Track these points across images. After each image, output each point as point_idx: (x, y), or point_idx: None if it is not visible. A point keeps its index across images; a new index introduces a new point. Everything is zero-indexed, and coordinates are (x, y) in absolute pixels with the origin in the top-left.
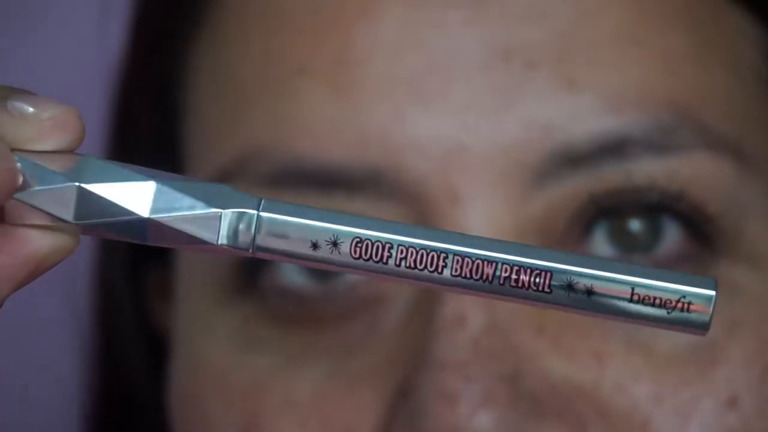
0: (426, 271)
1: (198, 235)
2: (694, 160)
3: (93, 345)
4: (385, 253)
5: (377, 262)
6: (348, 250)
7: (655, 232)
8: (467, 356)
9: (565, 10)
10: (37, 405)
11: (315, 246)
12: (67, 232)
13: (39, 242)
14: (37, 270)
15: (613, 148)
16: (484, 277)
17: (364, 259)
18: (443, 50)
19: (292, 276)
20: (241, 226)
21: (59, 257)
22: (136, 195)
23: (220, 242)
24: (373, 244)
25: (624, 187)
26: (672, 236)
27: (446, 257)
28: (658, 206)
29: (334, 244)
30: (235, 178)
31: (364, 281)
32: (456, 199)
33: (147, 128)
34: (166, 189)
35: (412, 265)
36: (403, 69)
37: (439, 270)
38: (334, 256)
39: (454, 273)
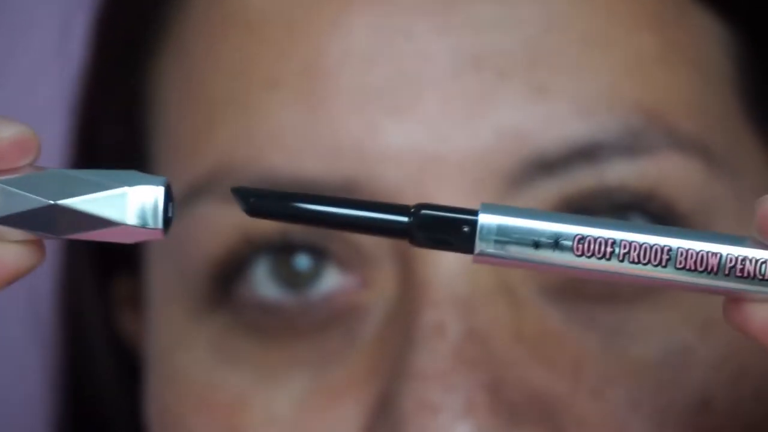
0: (650, 265)
1: (104, 216)
2: (664, 162)
3: (59, 358)
4: (608, 249)
5: (600, 258)
6: (570, 249)
7: None
8: (448, 365)
9: (533, 15)
10: (3, 419)
11: (537, 245)
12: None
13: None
14: None
15: (585, 153)
16: (710, 268)
17: (587, 256)
18: (414, 60)
19: (267, 288)
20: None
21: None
22: (44, 186)
23: (129, 222)
24: (595, 241)
25: (596, 189)
26: None
27: (670, 251)
28: (628, 206)
29: (556, 243)
30: (208, 191)
31: (340, 291)
32: None
33: (112, 141)
34: (71, 175)
35: (636, 260)
36: (374, 80)
37: (663, 263)
38: (556, 255)
39: (678, 266)
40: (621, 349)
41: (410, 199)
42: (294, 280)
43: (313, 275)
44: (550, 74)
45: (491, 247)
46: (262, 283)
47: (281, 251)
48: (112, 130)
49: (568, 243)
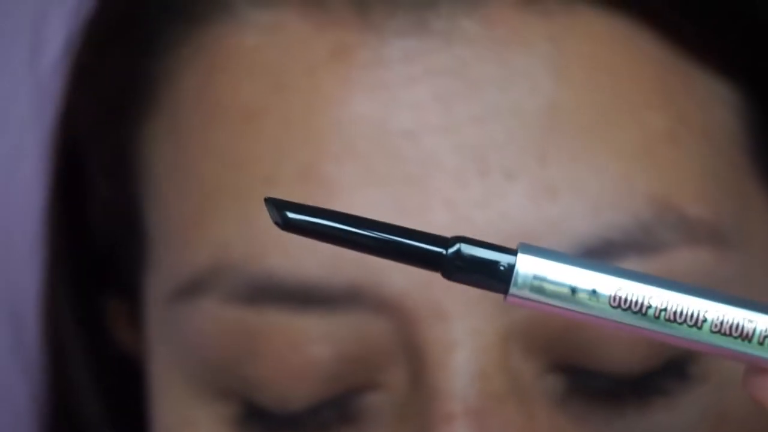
0: (685, 325)
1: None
2: (673, 256)
3: (43, 384)
4: (645, 304)
5: (636, 312)
6: (606, 299)
7: None
8: None
9: (537, 106)
10: None
11: (573, 292)
12: None
13: None
14: None
15: (595, 253)
16: (744, 335)
17: (623, 309)
18: (417, 162)
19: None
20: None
21: None
22: None
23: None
24: (633, 294)
25: None
26: None
27: (707, 312)
28: None
29: (593, 292)
30: (209, 288)
31: (337, 399)
32: (441, 314)
33: (97, 183)
34: None
35: (671, 319)
36: (374, 181)
37: (699, 325)
38: (592, 304)
39: (713, 329)
40: None
41: (418, 305)
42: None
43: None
44: (557, 172)
45: (526, 290)
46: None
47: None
48: (99, 177)
49: (606, 293)
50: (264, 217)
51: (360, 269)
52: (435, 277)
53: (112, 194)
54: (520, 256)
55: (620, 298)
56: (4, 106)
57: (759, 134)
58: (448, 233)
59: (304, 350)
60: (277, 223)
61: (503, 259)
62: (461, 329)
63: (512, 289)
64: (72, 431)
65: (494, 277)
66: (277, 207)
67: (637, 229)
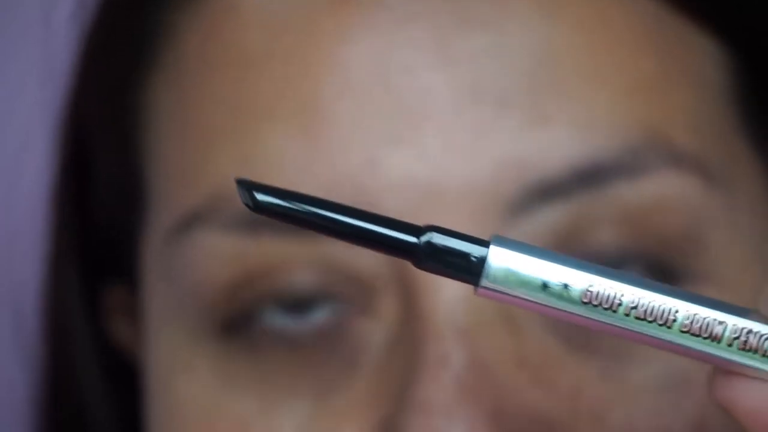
0: (655, 323)
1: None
2: (662, 179)
3: (45, 374)
4: (616, 301)
5: (606, 309)
6: (578, 294)
7: (619, 264)
8: (450, 397)
9: (530, 45)
10: None
11: (545, 286)
12: None
13: None
14: None
15: (586, 176)
16: (713, 336)
17: (593, 305)
18: (413, 94)
19: (267, 316)
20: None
21: None
22: None
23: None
24: (604, 291)
25: (596, 213)
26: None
27: (677, 312)
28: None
29: (565, 287)
30: (207, 219)
31: (340, 320)
32: None
33: (103, 163)
34: None
35: (641, 317)
36: (372, 113)
37: (669, 324)
38: (563, 299)
39: (683, 329)
40: (621, 374)
41: None
42: (294, 308)
43: (314, 303)
44: (550, 102)
45: (498, 282)
46: (263, 311)
47: (281, 282)
48: (105, 150)
49: (577, 288)
50: (265, 150)
51: (356, 196)
52: (428, 203)
53: (117, 170)
54: (492, 248)
55: (591, 293)
56: (8, 109)
57: (747, 96)
58: (441, 157)
59: (302, 275)
60: (247, 205)
61: (475, 251)
62: None
63: (483, 281)
64: (74, 428)
65: (466, 269)
66: (248, 189)
67: (625, 152)
